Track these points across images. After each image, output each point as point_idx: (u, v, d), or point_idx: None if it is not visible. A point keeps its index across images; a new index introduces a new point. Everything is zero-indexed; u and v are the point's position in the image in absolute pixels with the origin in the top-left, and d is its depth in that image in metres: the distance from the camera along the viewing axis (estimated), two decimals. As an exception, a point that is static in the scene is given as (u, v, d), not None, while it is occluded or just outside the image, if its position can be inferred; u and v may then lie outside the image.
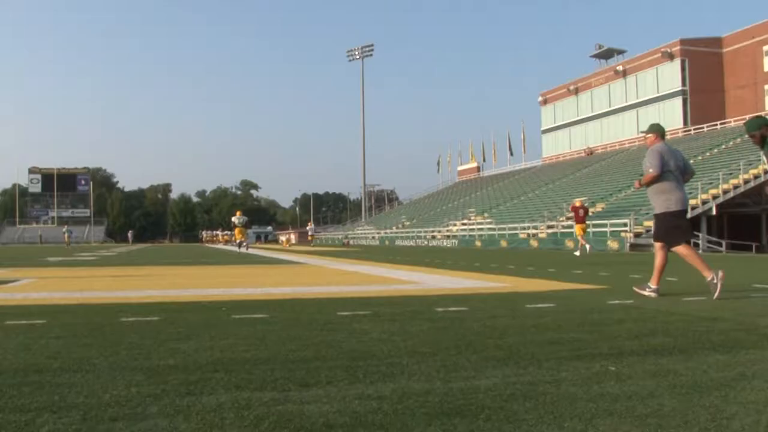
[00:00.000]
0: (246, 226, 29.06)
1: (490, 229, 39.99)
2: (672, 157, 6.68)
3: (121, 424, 2.25)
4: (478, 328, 4.47)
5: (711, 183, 30.49)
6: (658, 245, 6.78)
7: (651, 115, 53.98)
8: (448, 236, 44.40)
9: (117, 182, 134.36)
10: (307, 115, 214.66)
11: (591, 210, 34.43)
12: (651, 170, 6.64)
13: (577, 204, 21.93)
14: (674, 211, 6.58)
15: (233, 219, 29.65)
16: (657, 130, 6.90)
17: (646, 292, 6.67)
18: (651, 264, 7.17)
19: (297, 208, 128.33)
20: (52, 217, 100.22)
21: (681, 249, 6.66)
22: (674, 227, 6.63)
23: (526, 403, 2.48)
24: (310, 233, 50.05)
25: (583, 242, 21.11)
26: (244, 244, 28.51)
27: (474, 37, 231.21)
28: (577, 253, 20.77)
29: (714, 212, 29.58)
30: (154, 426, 2.23)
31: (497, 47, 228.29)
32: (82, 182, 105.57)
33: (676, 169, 6.66)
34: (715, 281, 6.31)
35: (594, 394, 2.63)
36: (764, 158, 5.37)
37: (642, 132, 7.10)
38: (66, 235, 57.66)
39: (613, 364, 3.21)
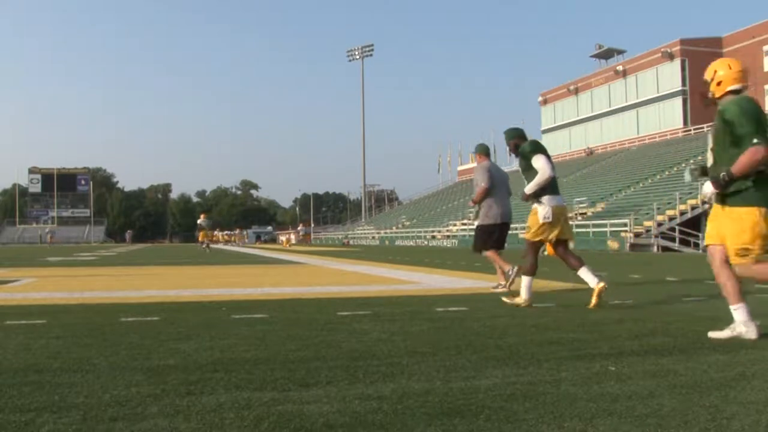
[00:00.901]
0: (211, 228, 32.39)
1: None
2: (497, 174, 7.67)
3: (121, 424, 2.25)
4: (478, 328, 4.47)
5: (711, 183, 30.44)
6: (486, 253, 7.75)
7: (651, 115, 54.02)
8: (448, 236, 44.39)
9: (117, 182, 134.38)
10: (307, 115, 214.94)
11: (591, 210, 34.63)
12: (482, 184, 7.57)
13: None
14: (491, 224, 7.62)
15: (198, 222, 32.66)
16: (482, 151, 7.85)
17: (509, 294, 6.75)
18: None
19: (297, 208, 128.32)
20: (52, 217, 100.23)
21: (489, 253, 7.69)
22: (488, 235, 7.66)
23: (526, 403, 2.48)
24: (301, 233, 50.13)
25: None
26: (206, 243, 31.03)
27: (474, 37, 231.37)
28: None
29: (714, 212, 29.54)
30: (154, 426, 2.23)
31: (497, 47, 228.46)
32: (82, 182, 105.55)
33: (500, 185, 7.63)
34: (511, 273, 7.14)
35: (594, 394, 2.63)
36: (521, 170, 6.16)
37: (471, 153, 7.77)
38: (49, 236, 57.30)
39: (613, 364, 3.21)
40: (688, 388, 2.72)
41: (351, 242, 58.22)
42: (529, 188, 5.88)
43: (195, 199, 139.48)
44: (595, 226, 30.39)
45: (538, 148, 5.99)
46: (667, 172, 37.96)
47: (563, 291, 7.41)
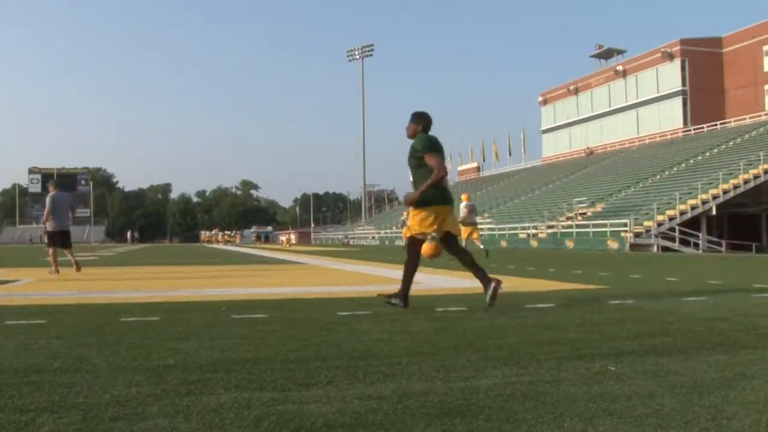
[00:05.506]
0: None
1: (490, 229, 39.99)
2: (60, 199, 11.46)
3: (121, 424, 2.25)
4: (478, 328, 4.47)
5: (711, 183, 30.47)
6: (50, 250, 11.45)
7: (651, 115, 54.03)
8: (448, 236, 44.28)
9: (117, 182, 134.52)
10: (307, 115, 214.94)
11: (591, 210, 34.68)
12: (47, 208, 11.41)
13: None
14: (54, 231, 11.39)
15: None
16: (53, 184, 11.83)
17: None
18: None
19: (297, 208, 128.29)
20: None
21: (51, 250, 11.34)
22: (54, 238, 11.39)
23: (526, 403, 2.48)
24: (256, 235, 53.20)
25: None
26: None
27: (474, 37, 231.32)
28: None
29: (714, 212, 29.57)
30: (154, 426, 2.23)
31: (497, 47, 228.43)
32: (82, 182, 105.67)
33: (61, 206, 11.43)
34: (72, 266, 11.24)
35: (594, 394, 2.62)
36: None
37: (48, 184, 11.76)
38: None
39: (613, 364, 3.21)
40: (688, 388, 2.72)
41: (351, 242, 58.22)
42: None
43: (195, 199, 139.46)
44: (595, 226, 30.39)
45: None
46: (667, 172, 37.96)
47: (563, 291, 7.41)
